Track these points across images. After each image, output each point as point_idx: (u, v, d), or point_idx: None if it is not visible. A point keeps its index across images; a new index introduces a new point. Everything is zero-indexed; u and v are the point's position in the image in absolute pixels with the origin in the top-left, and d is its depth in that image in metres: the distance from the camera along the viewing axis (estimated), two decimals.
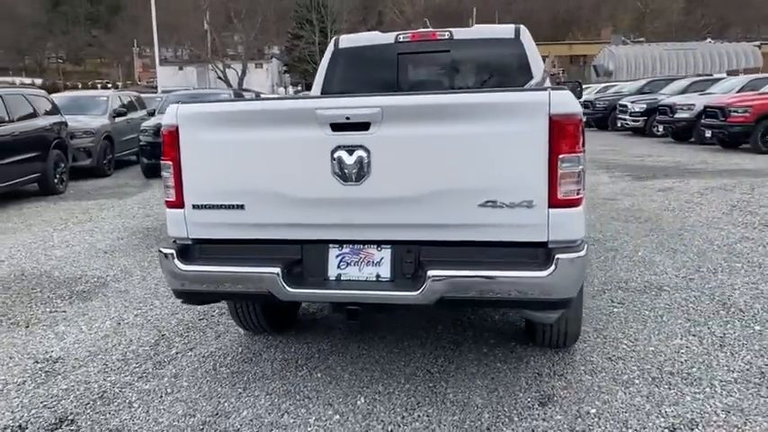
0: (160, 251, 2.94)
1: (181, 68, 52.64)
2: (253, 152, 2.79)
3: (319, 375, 3.37)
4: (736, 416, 2.84)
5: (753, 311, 4.11)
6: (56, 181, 10.50)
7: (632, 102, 19.61)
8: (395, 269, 2.80)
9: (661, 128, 17.37)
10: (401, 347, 3.69)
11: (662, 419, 2.82)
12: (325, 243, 2.86)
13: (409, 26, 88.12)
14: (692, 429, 2.75)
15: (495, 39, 4.58)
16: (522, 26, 4.62)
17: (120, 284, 5.13)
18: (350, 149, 2.67)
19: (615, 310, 4.24)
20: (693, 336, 3.75)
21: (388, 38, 4.69)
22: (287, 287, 2.76)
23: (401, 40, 4.66)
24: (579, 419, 2.85)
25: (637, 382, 3.19)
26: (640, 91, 21.44)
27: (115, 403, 3.10)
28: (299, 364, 3.50)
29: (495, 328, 3.94)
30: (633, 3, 73.40)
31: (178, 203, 2.92)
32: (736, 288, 4.59)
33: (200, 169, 2.87)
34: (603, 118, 22.28)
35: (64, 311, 4.52)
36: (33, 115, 10.15)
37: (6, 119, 9.21)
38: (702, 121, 14.82)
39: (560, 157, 2.58)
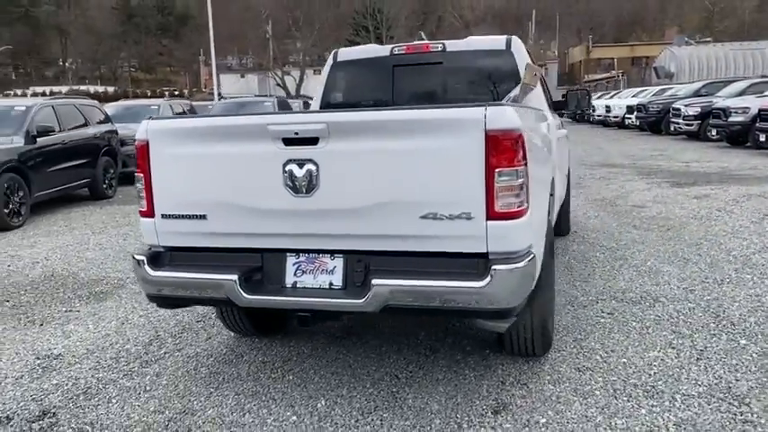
0: (133, 257, 3.15)
1: (243, 76, 54.09)
2: (213, 165, 2.97)
3: (291, 378, 3.51)
4: (687, 430, 2.82)
5: (744, 325, 4.03)
6: (104, 186, 11.07)
7: (686, 105, 19.05)
8: (347, 278, 2.92)
9: (715, 132, 16.81)
10: (378, 353, 3.80)
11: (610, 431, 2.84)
12: (283, 252, 3.01)
13: (469, 30, 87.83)
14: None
15: (486, 50, 4.64)
16: (513, 37, 4.67)
17: (136, 286, 5.42)
18: (300, 163, 2.81)
19: (602, 320, 4.23)
20: (673, 348, 3.72)
21: (384, 50, 4.81)
22: (244, 293, 2.92)
23: (396, 52, 4.78)
24: (527, 429, 2.90)
25: (597, 393, 3.20)
26: (696, 93, 20.80)
27: (96, 399, 3.33)
28: (275, 367, 3.66)
29: (476, 335, 3.99)
30: (701, 1, 70.94)
31: (149, 213, 3.13)
32: (736, 300, 4.50)
33: (167, 181, 3.06)
34: (657, 122, 21.72)
35: (78, 311, 4.83)
36: (85, 124, 10.73)
37: (58, 128, 9.77)
38: (757, 124, 14.31)
39: (497, 171, 2.65)
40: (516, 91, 4.06)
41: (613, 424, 2.90)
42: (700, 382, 3.27)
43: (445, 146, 2.67)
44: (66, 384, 3.51)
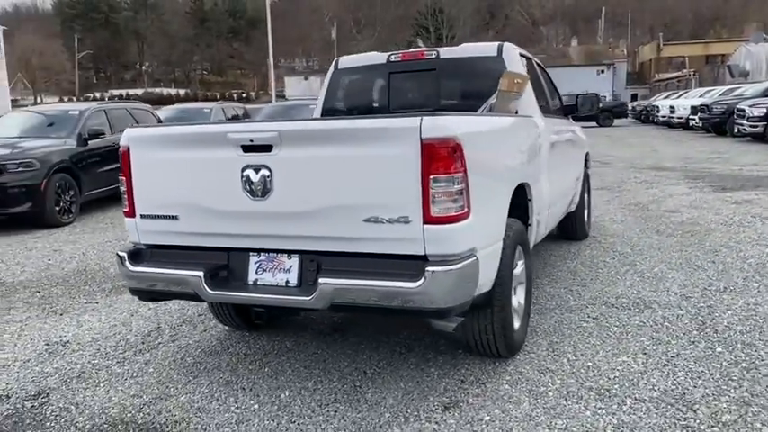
0: (117, 254, 3.44)
1: (306, 78, 55.13)
2: (183, 170, 3.22)
3: (266, 370, 3.73)
4: None
5: (728, 333, 3.99)
6: None
7: (750, 106, 18.31)
8: (301, 276, 3.11)
9: None
10: (355, 349, 3.97)
11: (546, 431, 2.92)
12: (247, 251, 3.23)
13: (537, 28, 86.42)
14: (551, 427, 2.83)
15: (478, 57, 4.74)
16: (506, 44, 4.74)
17: None
18: (256, 168, 3.02)
19: (585, 324, 4.26)
20: (644, 354, 3.74)
21: (381, 58, 4.98)
22: (208, 289, 3.16)
23: (392, 60, 4.94)
24: (469, 425, 3.01)
25: (550, 394, 3.27)
26: (764, 93, 19.95)
27: (87, 382, 3.64)
28: (255, 359, 3.88)
29: (451, 335, 4.10)
30: None
31: (131, 213, 3.41)
32: (731, 309, 4.44)
33: (145, 184, 3.34)
34: (720, 123, 20.93)
35: (96, 303, 5.20)
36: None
37: (109, 132, 10.36)
38: None
39: (432, 177, 2.78)
40: (493, 99, 4.15)
41: (553, 424, 2.98)
42: (656, 388, 3.29)
43: (384, 153, 2.82)
44: (65, 369, 3.84)
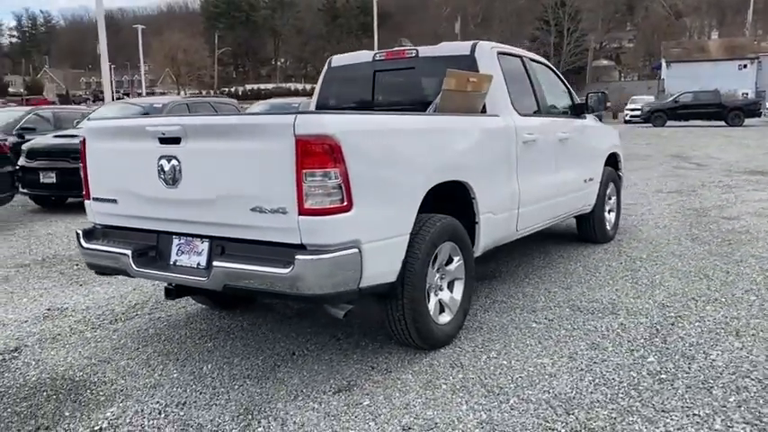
0: (75, 231, 3.91)
1: None
2: (118, 159, 3.61)
3: (209, 345, 4.07)
4: (485, 428, 2.93)
5: (674, 345, 3.84)
6: None
7: None
8: (209, 259, 3.40)
9: None
10: (301, 332, 4.21)
11: (411, 419, 3.02)
12: (171, 234, 3.57)
13: (680, 20, 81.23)
14: (429, 430, 2.92)
15: (452, 56, 4.78)
16: (480, 43, 4.75)
17: None
18: (168, 158, 3.35)
19: (534, 325, 4.24)
20: (569, 358, 3.70)
21: (368, 56, 5.16)
22: (134, 266, 3.53)
23: (377, 58, 5.10)
24: (346, 407, 3.16)
25: (443, 387, 3.35)
26: None
27: (57, 344, 4.15)
28: (206, 334, 4.23)
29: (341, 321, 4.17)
30: None
31: (87, 196, 3.86)
32: (700, 321, 4.25)
33: (95, 170, 3.77)
34: None
35: (116, 276, 5.79)
36: None
37: None
38: None
39: (305, 172, 2.96)
40: (437, 99, 4.22)
41: (422, 413, 3.07)
42: (551, 390, 3.28)
43: (265, 148, 3.04)
44: (47, 331, 4.38)
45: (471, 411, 3.08)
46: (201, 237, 3.44)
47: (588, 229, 6.45)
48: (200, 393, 3.37)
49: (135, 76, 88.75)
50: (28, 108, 14.34)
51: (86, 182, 3.84)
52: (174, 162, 3.33)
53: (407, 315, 3.57)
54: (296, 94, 58.67)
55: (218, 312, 4.67)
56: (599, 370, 3.51)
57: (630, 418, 2.97)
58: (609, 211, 6.75)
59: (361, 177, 3.12)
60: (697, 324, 4.17)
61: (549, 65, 5.80)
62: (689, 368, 3.50)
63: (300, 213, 3.01)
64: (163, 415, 3.15)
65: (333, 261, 3.03)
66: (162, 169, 3.37)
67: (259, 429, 2.99)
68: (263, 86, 74.44)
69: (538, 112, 5.12)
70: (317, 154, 2.96)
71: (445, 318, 3.91)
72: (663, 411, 3.03)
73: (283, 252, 3.08)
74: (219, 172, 3.21)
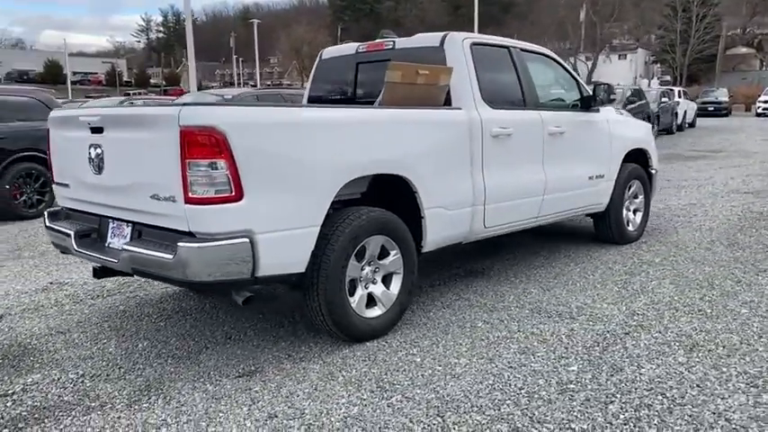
0: (43, 213, 4.26)
1: None
2: (66, 145, 3.90)
3: (161, 324, 4.30)
4: (349, 423, 2.92)
5: (609, 356, 3.62)
6: None
7: None
8: (129, 243, 3.61)
9: None
10: (251, 318, 4.35)
11: (284, 407, 3.07)
12: (108, 218, 3.81)
13: None
14: (292, 419, 2.96)
15: (424, 47, 4.69)
16: (451, 34, 4.62)
17: None
18: (95, 147, 3.58)
19: (479, 325, 4.13)
20: (486, 360, 3.58)
21: (352, 48, 5.18)
22: (75, 247, 3.81)
23: (360, 50, 5.11)
24: (234, 391, 3.25)
25: (339, 379, 3.36)
26: None
27: (36, 314, 4.54)
28: (166, 315, 4.46)
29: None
30: None
31: (53, 180, 4.20)
32: (661, 332, 3.96)
33: (55, 157, 4.09)
34: None
35: None
36: None
37: None
38: None
39: (189, 161, 3.08)
40: (381, 96, 4.18)
41: (298, 404, 3.10)
42: (441, 390, 3.20)
43: (157, 138, 3.18)
44: (35, 302, 4.80)
45: (346, 405, 3.08)
46: (127, 222, 3.65)
47: (604, 229, 6.11)
48: (119, 368, 3.59)
49: (264, 69, 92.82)
50: (123, 97, 15.49)
51: (50, 168, 4.17)
52: (99, 150, 3.56)
53: (323, 306, 3.60)
54: None
55: (191, 294, 4.90)
56: (508, 375, 3.37)
57: (498, 426, 2.85)
58: (634, 211, 6.35)
59: (253, 169, 3.18)
60: (654, 335, 3.88)
61: (553, 56, 5.53)
62: (605, 381, 3.28)
63: (186, 202, 3.12)
64: (72, 385, 3.39)
65: (218, 249, 3.12)
66: (91, 157, 3.61)
67: (144, 405, 3.15)
68: None
69: (521, 105, 4.92)
70: (201, 145, 3.06)
71: (375, 312, 3.89)
72: (537, 422, 2.88)
73: (173, 239, 3.21)
74: (127, 160, 3.40)
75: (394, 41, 4.88)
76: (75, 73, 75.43)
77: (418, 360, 3.59)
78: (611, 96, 5.48)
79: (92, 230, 3.88)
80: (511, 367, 3.47)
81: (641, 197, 6.36)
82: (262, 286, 3.64)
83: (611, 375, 3.34)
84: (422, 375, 3.39)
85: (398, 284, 4.00)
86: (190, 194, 3.10)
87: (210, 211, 3.12)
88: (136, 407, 3.13)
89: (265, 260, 3.29)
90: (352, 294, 3.78)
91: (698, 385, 3.21)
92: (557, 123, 5.14)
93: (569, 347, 3.72)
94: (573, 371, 3.41)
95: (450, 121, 4.30)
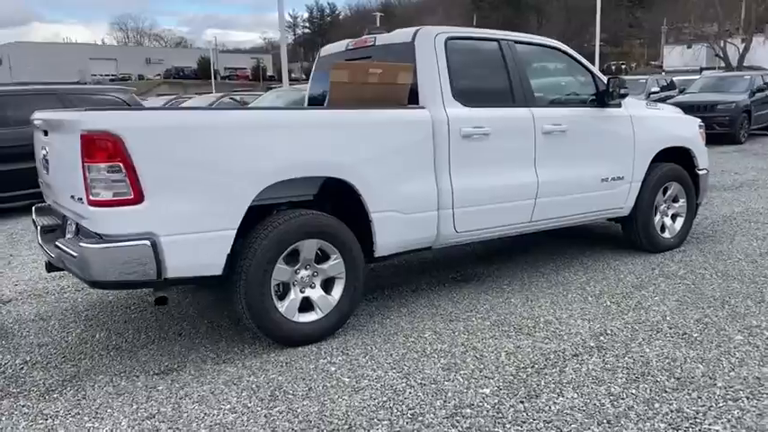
0: (32, 207, 4.60)
1: (688, 46, 49.65)
2: (36, 146, 4.18)
3: (133, 316, 4.51)
4: (212, 426, 2.92)
5: (529, 379, 3.33)
6: None
7: None
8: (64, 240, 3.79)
9: None
10: (209, 316, 4.46)
11: (160, 408, 3.11)
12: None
13: None
14: (165, 422, 3.00)
15: (398, 43, 4.49)
16: (423, 29, 4.40)
17: None
18: (43, 148, 3.82)
19: (426, 335, 3.95)
20: (401, 375, 3.41)
21: (343, 46, 5.10)
22: (39, 240, 4.09)
23: (349, 47, 5.02)
24: (146, 386, 3.35)
25: (242, 384, 3.35)
26: None
27: (37, 300, 4.91)
28: (143, 308, 4.68)
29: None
30: None
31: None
32: (616, 357, 3.59)
33: (37, 157, 4.39)
34: None
35: None
36: None
37: None
38: None
39: (88, 164, 3.19)
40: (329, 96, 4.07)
41: (184, 408, 3.13)
42: (329, 405, 3.10)
43: (69, 141, 3.31)
44: (37, 289, 5.18)
45: (225, 412, 3.06)
46: (72, 219, 3.85)
47: (631, 235, 5.59)
48: (62, 357, 3.81)
49: None
50: (220, 94, 16.28)
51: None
52: (45, 151, 3.78)
53: (245, 309, 3.61)
54: None
55: (184, 288, 5.07)
56: (409, 392, 3.20)
57: None
58: (673, 216, 5.74)
59: (154, 172, 3.24)
60: (607, 360, 3.51)
61: (563, 48, 5.10)
62: (508, 408, 3.02)
63: (89, 204, 3.24)
64: (11, 370, 3.64)
65: (117, 251, 3.21)
66: (44, 157, 3.84)
67: (54, 396, 3.32)
68: None
69: (509, 102, 4.60)
70: (99, 148, 3.16)
71: (310, 317, 3.83)
72: None
73: (88, 239, 3.35)
74: (59, 162, 3.58)
75: (375, 38, 4.73)
76: (226, 68, 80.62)
77: (333, 370, 3.49)
78: (621, 90, 4.97)
79: (57, 226, 4.13)
80: (420, 384, 3.28)
81: (682, 200, 5.74)
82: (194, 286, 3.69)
83: (521, 402, 3.07)
84: (322, 387, 3.29)
85: (340, 290, 3.91)
86: (91, 197, 3.21)
87: (110, 213, 3.22)
88: (46, 397, 3.30)
89: (172, 262, 3.34)
90: (283, 298, 3.75)
91: (608, 422, 2.86)
92: (555, 121, 4.76)
93: (500, 367, 3.45)
94: (483, 394, 3.16)
95: (406, 122, 4.12)
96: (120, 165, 3.17)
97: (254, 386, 3.32)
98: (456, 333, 3.95)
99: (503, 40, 4.70)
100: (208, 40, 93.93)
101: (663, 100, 16.27)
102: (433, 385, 3.27)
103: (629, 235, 5.61)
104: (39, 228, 4.10)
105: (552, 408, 3.00)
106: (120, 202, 3.20)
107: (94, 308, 4.67)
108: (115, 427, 2.97)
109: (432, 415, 2.97)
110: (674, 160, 5.66)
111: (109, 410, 3.13)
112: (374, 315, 4.32)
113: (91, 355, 3.84)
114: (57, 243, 3.57)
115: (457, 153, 4.27)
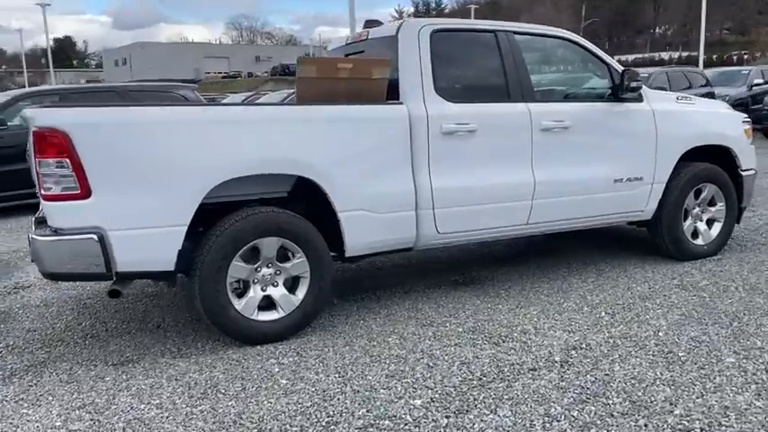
0: None
1: None
2: None
3: (128, 306, 4.66)
4: (135, 426, 2.95)
5: (469, 392, 3.13)
6: None
7: None
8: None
9: None
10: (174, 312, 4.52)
11: (94, 399, 3.17)
12: None
13: None
14: (92, 413, 3.06)
15: (385, 37, 4.34)
16: (407, 21, 4.21)
17: None
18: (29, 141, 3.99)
19: (390, 340, 3.82)
20: (335, 377, 3.32)
21: (344, 40, 5.02)
22: (33, 228, 4.29)
23: (348, 42, 4.93)
24: (94, 377, 3.44)
25: (184, 381, 3.35)
26: None
27: (53, 285, 5.17)
28: (138, 298, 4.83)
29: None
30: None
31: None
32: (565, 373, 3.32)
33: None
34: None
35: None
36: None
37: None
38: None
39: (38, 160, 3.31)
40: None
41: (116, 401, 3.19)
42: (252, 407, 3.06)
43: (31, 138, 3.46)
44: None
45: (148, 408, 3.07)
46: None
47: (656, 241, 5.16)
48: (34, 343, 3.98)
49: None
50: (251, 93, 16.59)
51: None
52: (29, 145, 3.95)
53: (201, 305, 3.63)
54: (660, 63, 54.22)
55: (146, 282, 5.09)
56: (337, 400, 3.09)
57: None
58: (708, 222, 5.25)
59: (101, 168, 3.31)
60: (565, 377, 3.24)
61: (573, 38, 4.72)
62: (431, 422, 2.85)
63: (43, 198, 3.36)
64: None
65: (65, 244, 3.31)
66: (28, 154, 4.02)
67: (15, 380, 3.46)
68: (631, 57, 70.25)
69: (502, 97, 4.34)
70: (47, 144, 3.26)
71: (271, 315, 3.80)
72: None
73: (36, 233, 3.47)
74: (30, 158, 3.72)
75: (368, 32, 4.62)
76: None
77: (276, 370, 3.44)
78: (632, 84, 4.56)
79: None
80: (354, 391, 3.16)
81: (720, 204, 5.22)
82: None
83: (447, 417, 2.89)
84: (257, 387, 3.24)
85: (305, 290, 3.84)
86: (43, 191, 3.33)
87: (60, 207, 3.32)
88: (5, 381, 3.46)
89: (121, 257, 3.40)
90: (241, 296, 3.73)
91: None
92: (556, 117, 4.45)
93: (446, 377, 3.27)
94: (412, 405, 3.01)
95: (378, 118, 3.98)
96: (67, 160, 3.25)
97: (192, 383, 3.32)
98: (422, 339, 3.78)
99: (500, 31, 4.44)
100: (316, 38, 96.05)
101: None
102: (366, 392, 3.14)
103: (654, 241, 5.18)
104: (34, 219, 4.29)
105: (476, 426, 2.80)
106: (68, 196, 3.29)
107: (96, 296, 4.86)
108: (46, 415, 3.05)
109: (346, 425, 2.85)
110: (712, 159, 5.15)
111: (50, 398, 3.22)
112: (351, 316, 4.23)
113: (68, 342, 3.99)
114: (31, 235, 3.72)
115: (437, 151, 4.09)
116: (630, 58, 67.23)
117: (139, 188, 3.42)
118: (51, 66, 52.54)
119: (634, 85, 4.54)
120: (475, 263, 5.42)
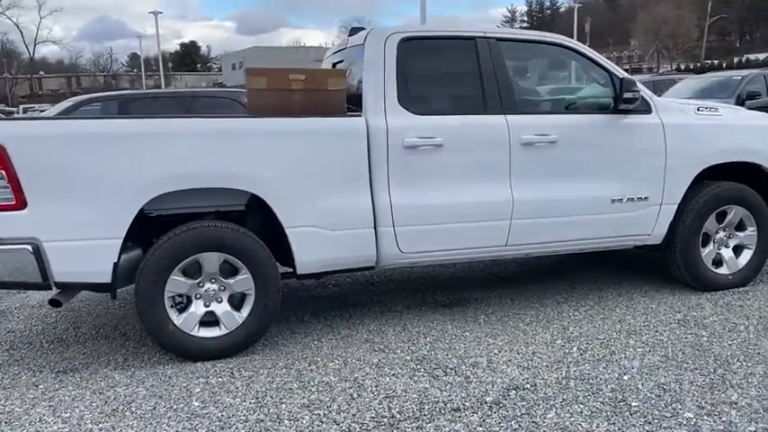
0: None
1: None
2: None
3: (120, 312, 4.77)
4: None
5: (371, 423, 2.92)
6: None
7: None
8: None
9: None
10: None
11: (15, 407, 3.23)
12: None
13: None
14: (20, 420, 3.11)
15: (355, 46, 4.15)
16: (374, 30, 3.99)
17: None
18: None
19: (331, 365, 3.65)
20: (249, 404, 3.19)
21: (341, 45, 4.87)
22: None
23: (336, 51, 4.79)
24: (28, 384, 3.51)
25: (98, 396, 3.37)
26: None
27: None
28: (114, 303, 4.92)
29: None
30: None
31: None
32: (493, 415, 3.02)
33: None
34: None
35: None
36: None
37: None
38: None
39: None
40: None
41: (40, 410, 3.23)
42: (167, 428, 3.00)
43: None
44: None
45: (54, 421, 3.06)
46: None
47: (671, 269, 4.64)
48: (2, 345, 4.13)
49: (624, 52, 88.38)
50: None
51: None
52: None
53: (139, 318, 3.63)
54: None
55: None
56: (238, 427, 2.96)
57: None
58: (735, 249, 4.66)
59: (37, 179, 3.36)
60: (492, 419, 2.95)
61: (568, 44, 4.30)
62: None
63: None
64: None
65: (13, 254, 3.38)
66: None
67: None
68: (762, 56, 65.18)
69: (478, 109, 4.04)
70: None
71: (212, 332, 3.73)
72: None
73: None
74: None
75: (348, 40, 4.45)
76: None
77: (197, 391, 3.35)
78: (628, 95, 4.09)
79: None
80: (256, 421, 3.02)
81: (752, 229, 4.62)
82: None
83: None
84: (167, 408, 3.17)
85: (249, 306, 3.75)
86: None
87: (5, 217, 3.39)
88: None
89: (58, 267, 3.44)
90: (183, 311, 3.69)
91: None
92: (541, 130, 4.09)
93: (361, 412, 3.06)
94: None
95: (332, 131, 3.81)
96: (3, 172, 3.32)
97: (112, 398, 3.30)
98: (363, 366, 3.58)
99: (481, 38, 4.13)
100: None
101: None
102: (270, 423, 2.99)
103: (668, 269, 4.66)
104: None
105: None
106: (3, 207, 3.36)
107: (90, 300, 4.99)
108: None
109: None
110: (740, 178, 4.57)
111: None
112: (309, 335, 4.09)
113: (34, 345, 4.11)
114: None
115: (398, 166, 3.86)
116: (761, 57, 62.31)
117: (75, 200, 3.44)
118: (162, 70, 56.30)
119: (628, 95, 4.08)
120: (473, 283, 5.13)
